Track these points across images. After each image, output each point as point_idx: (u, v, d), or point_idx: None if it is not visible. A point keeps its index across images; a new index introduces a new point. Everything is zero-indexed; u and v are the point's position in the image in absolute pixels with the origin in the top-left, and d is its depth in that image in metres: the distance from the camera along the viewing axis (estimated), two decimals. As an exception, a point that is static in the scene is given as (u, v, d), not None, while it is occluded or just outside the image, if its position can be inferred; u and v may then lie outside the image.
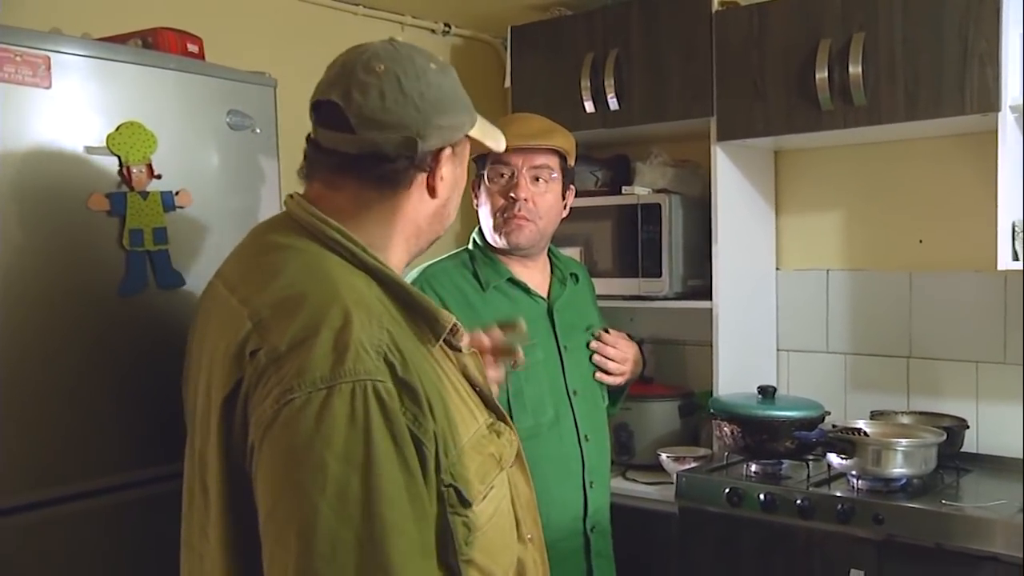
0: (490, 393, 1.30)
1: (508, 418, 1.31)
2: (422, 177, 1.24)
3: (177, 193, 1.66)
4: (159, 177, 1.63)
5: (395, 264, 1.25)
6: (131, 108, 1.62)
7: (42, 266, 1.51)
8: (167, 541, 1.31)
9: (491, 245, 1.98)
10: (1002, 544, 1.98)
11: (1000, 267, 2.21)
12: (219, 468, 1.12)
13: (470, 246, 2.02)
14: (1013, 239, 2.20)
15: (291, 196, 1.27)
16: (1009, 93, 2.19)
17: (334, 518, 1.02)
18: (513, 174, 1.92)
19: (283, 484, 1.04)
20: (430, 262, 1.98)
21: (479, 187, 1.98)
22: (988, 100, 2.20)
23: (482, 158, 1.94)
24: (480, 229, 2.02)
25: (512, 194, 1.91)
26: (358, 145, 1.19)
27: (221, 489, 1.12)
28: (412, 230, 1.27)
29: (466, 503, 1.14)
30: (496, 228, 1.94)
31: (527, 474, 1.36)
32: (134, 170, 1.60)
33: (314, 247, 1.19)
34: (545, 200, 1.95)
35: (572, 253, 2.87)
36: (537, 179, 1.94)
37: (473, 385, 1.27)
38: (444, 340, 1.21)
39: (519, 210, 1.91)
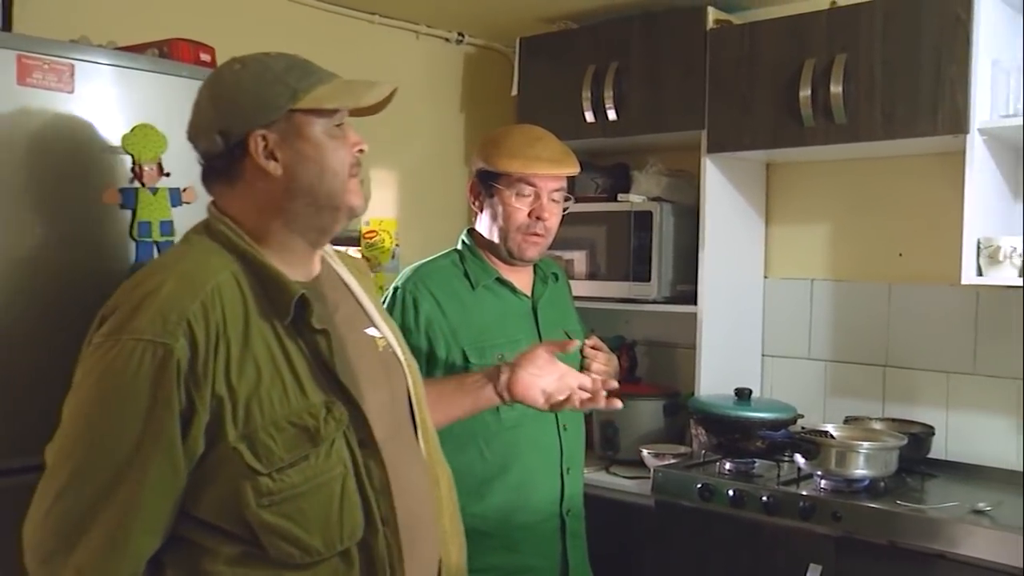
0: (339, 374, 1.31)
1: (355, 400, 1.33)
2: (248, 163, 1.31)
3: (184, 190, 1.82)
4: (168, 175, 1.80)
5: (280, 245, 1.34)
6: (145, 112, 1.78)
7: (61, 252, 1.68)
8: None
9: (479, 246, 2.12)
10: (946, 543, 2.09)
11: (964, 281, 2.32)
12: None
13: (459, 247, 2.16)
14: (978, 255, 2.30)
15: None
16: (978, 116, 2.30)
17: (69, 451, 1.21)
18: (538, 195, 2.07)
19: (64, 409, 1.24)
20: (423, 261, 2.12)
21: (488, 197, 2.07)
22: (958, 122, 2.31)
23: (504, 175, 2.04)
24: (469, 230, 2.16)
25: (537, 215, 2.06)
26: (199, 157, 1.36)
27: None
28: (275, 210, 1.33)
29: (252, 469, 1.22)
30: (513, 241, 2.08)
31: (382, 460, 1.35)
32: (145, 168, 1.76)
33: (200, 238, 1.33)
34: (557, 218, 2.12)
35: (576, 257, 3.02)
36: (554, 200, 2.09)
37: (325, 364, 1.31)
38: (295, 317, 1.28)
39: (540, 229, 2.07)
